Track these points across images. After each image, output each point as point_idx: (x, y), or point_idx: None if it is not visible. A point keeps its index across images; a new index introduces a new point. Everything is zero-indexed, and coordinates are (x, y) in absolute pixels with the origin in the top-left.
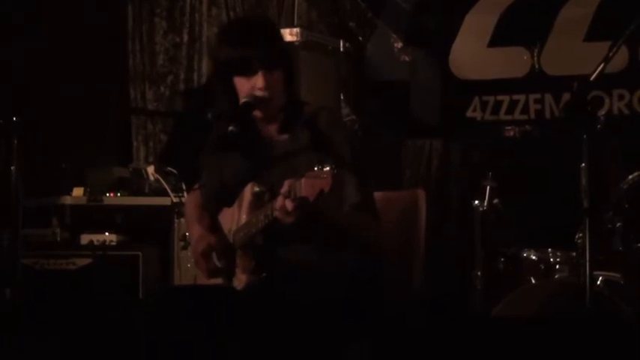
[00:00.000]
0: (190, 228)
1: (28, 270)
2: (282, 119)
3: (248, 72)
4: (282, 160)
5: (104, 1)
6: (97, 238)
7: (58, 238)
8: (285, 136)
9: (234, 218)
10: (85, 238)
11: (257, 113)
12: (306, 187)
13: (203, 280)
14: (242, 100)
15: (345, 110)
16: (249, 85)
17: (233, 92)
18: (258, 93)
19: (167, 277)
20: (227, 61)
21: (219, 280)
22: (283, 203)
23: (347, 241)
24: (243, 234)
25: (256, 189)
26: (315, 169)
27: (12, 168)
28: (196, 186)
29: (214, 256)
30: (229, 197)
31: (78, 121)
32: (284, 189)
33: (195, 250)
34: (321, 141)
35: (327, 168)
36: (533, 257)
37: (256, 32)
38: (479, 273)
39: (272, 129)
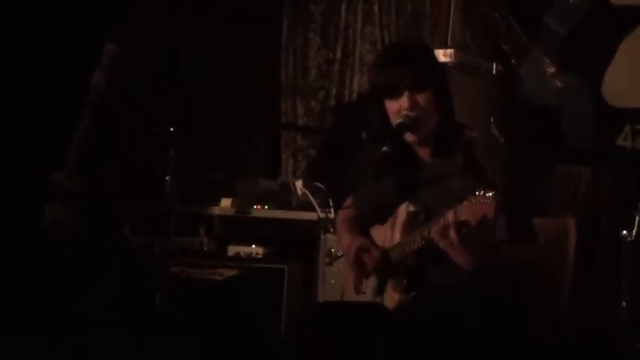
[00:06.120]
0: (342, 239)
1: (174, 278)
2: (435, 142)
3: (394, 94)
4: (433, 183)
5: (259, 14)
6: (243, 249)
7: (205, 248)
8: (437, 159)
9: (386, 236)
10: (231, 249)
11: (408, 136)
12: (468, 211)
13: (351, 296)
14: (395, 121)
15: (495, 133)
16: (397, 107)
17: (385, 114)
18: (405, 114)
19: (310, 292)
20: (376, 83)
21: (367, 297)
22: (443, 227)
23: (501, 268)
24: (397, 253)
25: (411, 208)
26: (477, 193)
27: (167, 178)
28: (348, 201)
29: (367, 262)
30: (383, 215)
31: (229, 132)
32: (446, 215)
33: (348, 254)
34: (474, 167)
35: (491, 194)
36: None
37: (403, 55)
38: (624, 304)
39: (425, 151)
